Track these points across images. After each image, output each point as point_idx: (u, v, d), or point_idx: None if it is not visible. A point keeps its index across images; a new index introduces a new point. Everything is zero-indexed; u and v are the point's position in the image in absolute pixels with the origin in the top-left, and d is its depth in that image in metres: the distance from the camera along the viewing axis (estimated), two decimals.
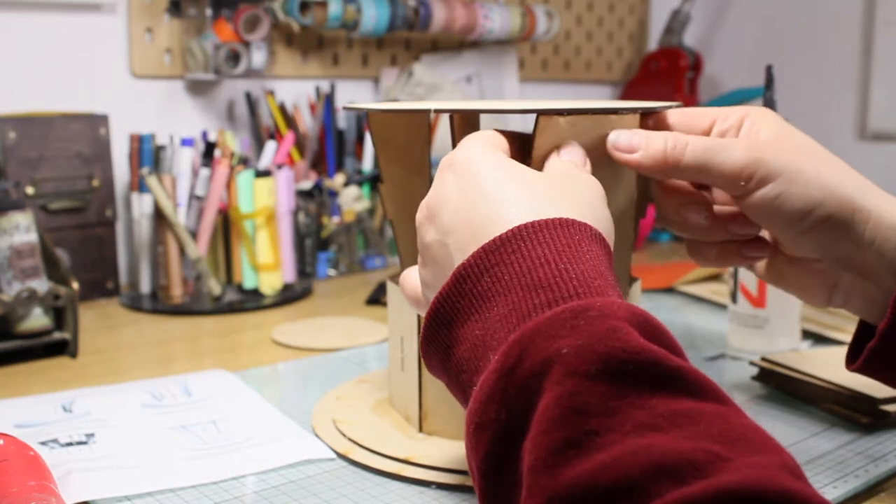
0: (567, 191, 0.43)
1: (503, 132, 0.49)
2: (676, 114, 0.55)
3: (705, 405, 0.32)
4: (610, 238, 0.43)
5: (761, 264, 0.57)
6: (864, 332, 0.54)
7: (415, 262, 0.65)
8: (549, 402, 0.32)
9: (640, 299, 0.66)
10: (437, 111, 0.55)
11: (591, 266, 0.38)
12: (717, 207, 0.55)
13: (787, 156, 0.50)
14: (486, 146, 0.45)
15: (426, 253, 0.45)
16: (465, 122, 0.63)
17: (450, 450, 0.58)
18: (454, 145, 0.62)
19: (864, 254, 0.50)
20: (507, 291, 0.37)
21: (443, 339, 0.40)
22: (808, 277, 0.54)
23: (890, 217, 0.49)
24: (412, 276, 0.48)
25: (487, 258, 0.39)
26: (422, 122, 0.59)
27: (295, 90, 1.28)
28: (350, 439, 0.61)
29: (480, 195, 0.42)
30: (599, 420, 0.31)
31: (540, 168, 0.49)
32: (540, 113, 0.49)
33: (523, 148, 0.50)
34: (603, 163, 0.52)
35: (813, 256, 0.52)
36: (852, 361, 0.53)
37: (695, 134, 0.54)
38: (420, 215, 0.45)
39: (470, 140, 0.46)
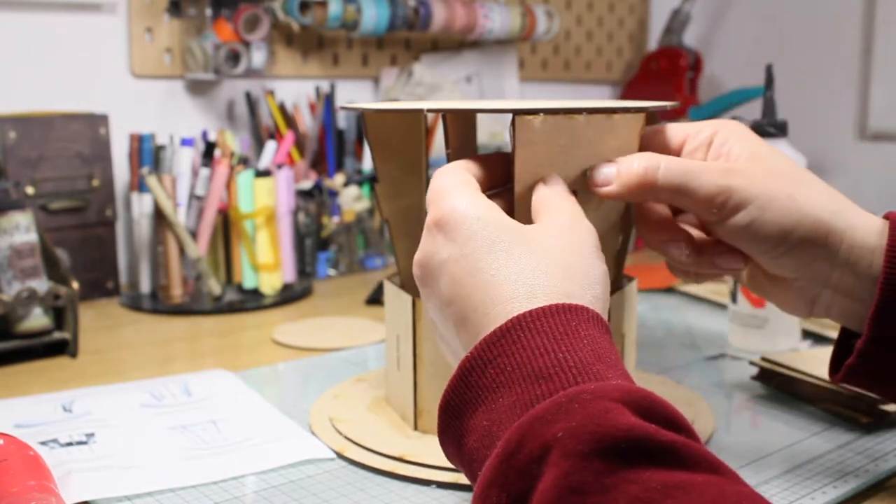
0: (559, 257, 0.44)
1: (481, 157, 0.51)
2: (649, 130, 0.55)
3: (697, 476, 0.33)
4: (604, 305, 0.44)
5: (745, 273, 0.57)
6: (844, 342, 0.54)
7: (410, 261, 0.65)
8: (548, 484, 0.33)
9: (636, 299, 0.66)
10: (431, 111, 0.55)
11: (590, 351, 0.39)
12: (703, 238, 0.56)
13: (759, 181, 0.50)
14: (470, 195, 0.46)
15: (429, 309, 0.47)
16: (460, 122, 0.63)
17: None
18: (447, 144, 0.62)
19: (840, 273, 0.51)
20: (511, 383, 0.39)
21: (455, 429, 0.42)
22: (788, 293, 0.54)
23: (863, 237, 0.50)
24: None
25: (490, 350, 0.40)
26: (417, 122, 0.59)
27: (295, 90, 1.28)
28: (346, 437, 0.61)
29: (474, 269, 0.43)
30: (595, 497, 0.32)
31: (522, 173, 0.49)
32: (516, 113, 0.50)
33: (506, 164, 0.51)
34: (575, 164, 0.52)
35: (791, 276, 0.53)
36: (835, 373, 0.53)
37: (666, 152, 0.54)
38: (415, 272, 0.47)
39: (451, 188, 0.47)
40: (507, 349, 0.39)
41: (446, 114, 0.57)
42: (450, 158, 0.67)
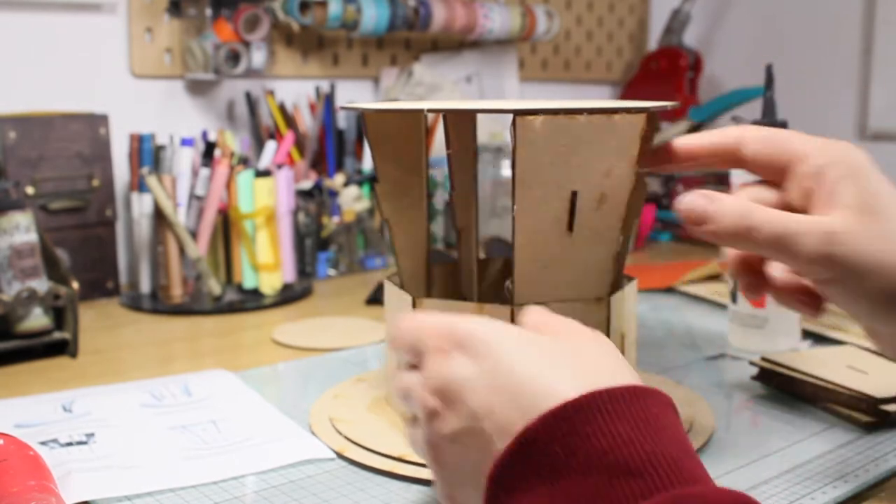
0: (599, 357, 0.40)
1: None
2: (753, 141, 0.52)
3: None
4: None
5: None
6: None
7: (409, 261, 0.65)
8: None
9: (636, 299, 0.66)
10: (431, 111, 0.55)
11: (677, 444, 0.36)
12: (789, 281, 0.54)
13: (865, 248, 0.46)
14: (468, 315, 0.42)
15: (447, 446, 0.40)
16: (460, 122, 0.63)
17: None
18: (448, 145, 0.62)
19: None
20: (587, 471, 0.34)
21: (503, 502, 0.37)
22: (882, 340, 0.52)
23: None
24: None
25: (557, 425, 0.35)
26: (416, 122, 0.59)
27: (295, 90, 1.28)
28: (346, 437, 0.61)
29: (512, 371, 0.38)
30: None
31: (522, 173, 0.49)
32: (517, 113, 0.50)
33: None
34: (576, 164, 0.52)
35: (885, 331, 0.50)
36: None
37: (769, 171, 0.51)
38: (431, 404, 0.41)
39: (442, 314, 0.42)
40: (579, 429, 0.35)
41: (446, 114, 0.57)
42: (450, 158, 0.67)
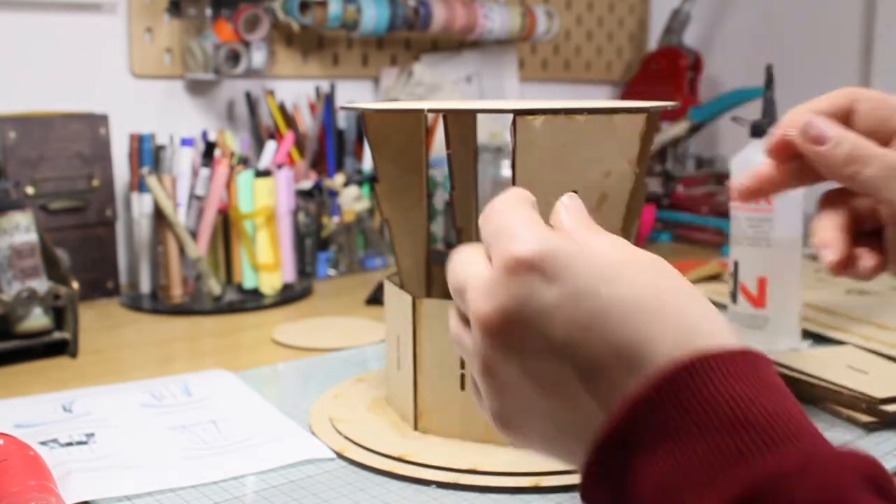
0: (687, 289, 0.37)
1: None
2: (866, 101, 0.53)
3: None
4: None
5: None
6: None
7: (409, 261, 0.65)
8: None
9: None
10: (431, 111, 0.56)
11: (793, 403, 0.34)
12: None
13: None
14: (549, 229, 0.37)
15: (511, 372, 0.36)
16: (460, 122, 0.63)
17: (443, 448, 0.58)
18: (448, 144, 0.62)
19: None
20: (703, 428, 0.32)
21: (615, 471, 0.34)
22: None
23: None
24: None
25: (671, 386, 0.33)
26: (417, 122, 0.59)
27: (295, 90, 1.28)
28: (346, 437, 0.61)
29: (603, 305, 0.35)
30: None
31: (522, 173, 0.49)
32: (517, 113, 0.50)
33: None
34: (576, 164, 0.52)
35: None
36: None
37: (876, 132, 0.52)
38: (496, 327, 0.36)
39: (527, 222, 0.37)
40: (695, 391, 0.33)
41: (446, 114, 0.57)
42: (450, 158, 0.67)
